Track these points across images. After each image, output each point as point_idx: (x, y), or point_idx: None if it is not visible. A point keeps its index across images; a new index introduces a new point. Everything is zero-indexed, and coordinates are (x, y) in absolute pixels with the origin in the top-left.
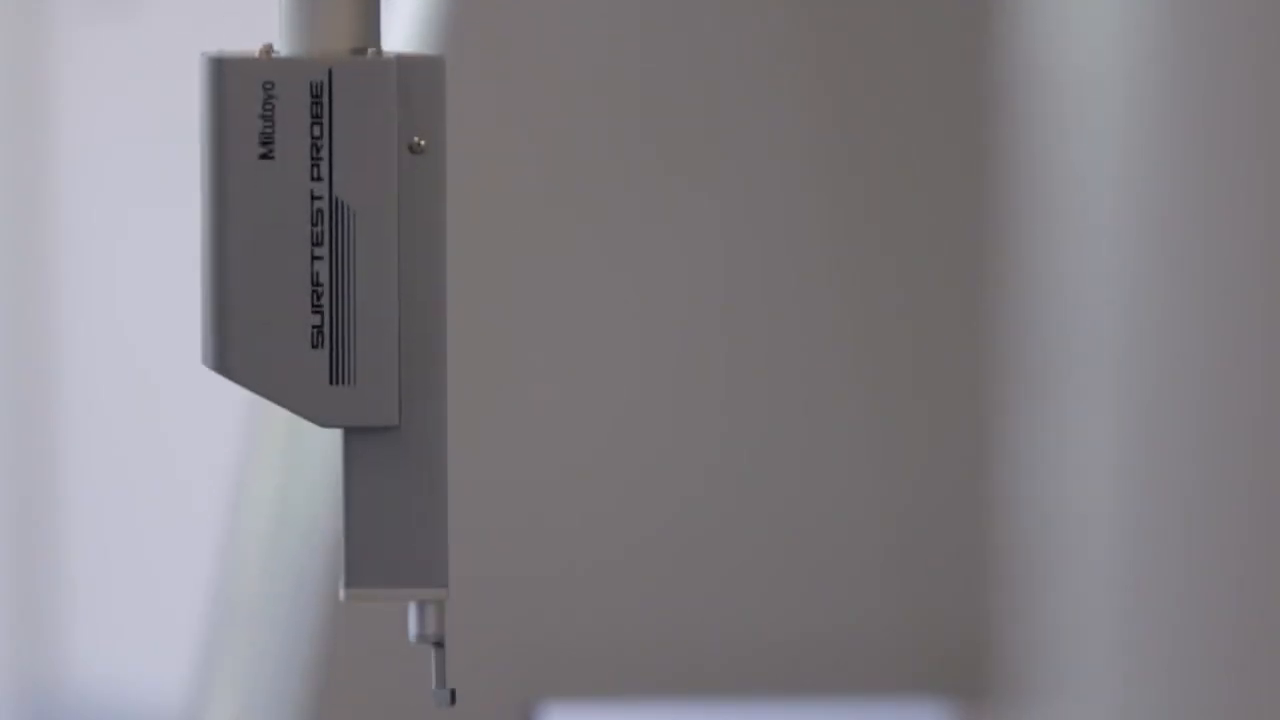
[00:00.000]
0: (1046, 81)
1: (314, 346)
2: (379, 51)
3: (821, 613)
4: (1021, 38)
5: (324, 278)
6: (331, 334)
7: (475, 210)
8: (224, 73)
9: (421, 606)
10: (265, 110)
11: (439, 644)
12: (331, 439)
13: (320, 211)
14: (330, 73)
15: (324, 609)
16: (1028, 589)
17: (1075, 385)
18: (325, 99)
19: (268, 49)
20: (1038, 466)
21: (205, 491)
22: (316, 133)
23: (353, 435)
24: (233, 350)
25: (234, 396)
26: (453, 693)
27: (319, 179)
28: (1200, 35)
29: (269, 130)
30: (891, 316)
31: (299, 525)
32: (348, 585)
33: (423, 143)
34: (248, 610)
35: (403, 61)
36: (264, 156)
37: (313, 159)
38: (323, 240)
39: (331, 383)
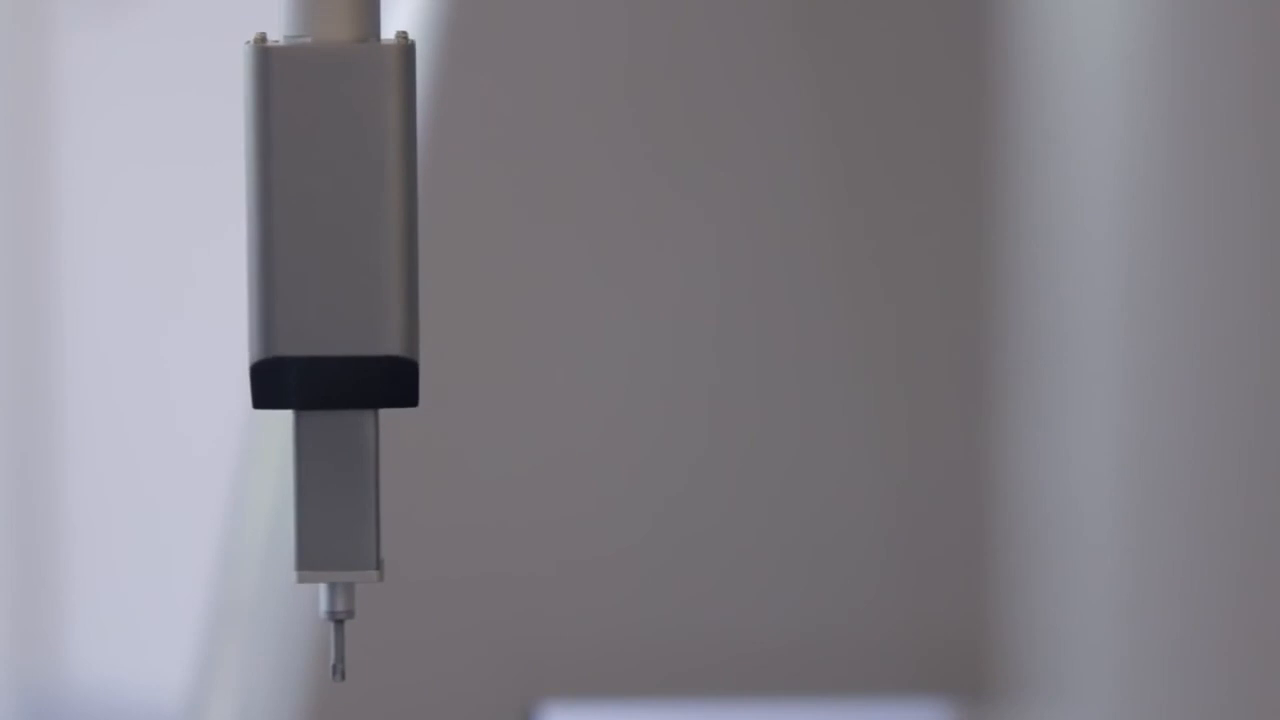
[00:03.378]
0: (1044, 80)
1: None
2: (404, 35)
3: (821, 613)
4: (1019, 37)
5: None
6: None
7: (468, 208)
8: (270, 61)
9: (333, 585)
10: (308, 98)
11: (343, 621)
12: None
13: (355, 196)
14: (367, 58)
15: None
16: (1028, 588)
17: (1075, 384)
18: (363, 85)
19: (262, 37)
20: (1038, 465)
21: (206, 491)
22: (355, 118)
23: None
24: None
25: (234, 396)
26: (343, 671)
27: (356, 163)
28: (1200, 35)
29: (312, 117)
30: (889, 313)
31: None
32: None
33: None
34: (248, 610)
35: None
36: (306, 144)
37: (350, 144)
38: (353, 222)
39: None
